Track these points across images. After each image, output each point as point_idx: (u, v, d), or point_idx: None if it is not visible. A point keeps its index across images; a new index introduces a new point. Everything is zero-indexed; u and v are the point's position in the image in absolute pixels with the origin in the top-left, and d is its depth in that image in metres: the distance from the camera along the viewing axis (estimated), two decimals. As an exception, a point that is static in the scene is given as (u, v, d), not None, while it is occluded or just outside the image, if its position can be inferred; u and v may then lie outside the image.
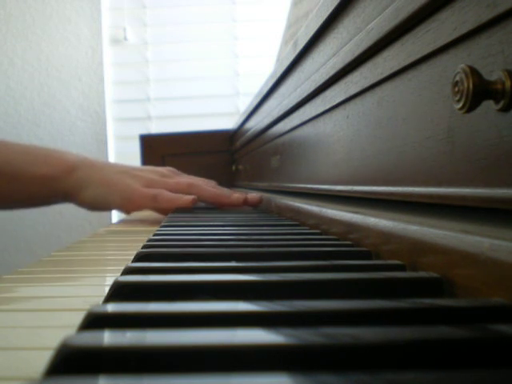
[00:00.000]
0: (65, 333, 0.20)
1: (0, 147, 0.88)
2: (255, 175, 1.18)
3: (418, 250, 0.32)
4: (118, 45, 2.24)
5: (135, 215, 1.01)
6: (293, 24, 1.19)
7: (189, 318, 0.23)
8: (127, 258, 0.43)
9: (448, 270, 0.28)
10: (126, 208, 0.90)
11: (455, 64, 0.30)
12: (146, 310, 0.24)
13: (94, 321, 0.22)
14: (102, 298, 0.29)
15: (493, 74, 0.26)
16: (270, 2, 2.16)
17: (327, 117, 0.58)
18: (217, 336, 0.20)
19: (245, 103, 1.78)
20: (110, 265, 0.51)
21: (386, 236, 0.37)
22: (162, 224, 0.66)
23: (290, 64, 0.72)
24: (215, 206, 0.95)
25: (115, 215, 2.02)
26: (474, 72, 0.26)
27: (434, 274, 0.29)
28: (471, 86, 0.26)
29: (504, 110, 0.26)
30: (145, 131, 2.10)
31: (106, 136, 2.23)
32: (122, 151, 2.23)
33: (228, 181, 1.55)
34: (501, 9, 0.26)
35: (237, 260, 0.38)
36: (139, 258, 0.40)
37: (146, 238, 0.50)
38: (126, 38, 2.22)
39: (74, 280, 0.43)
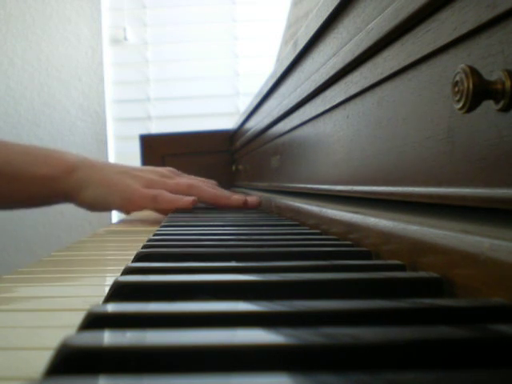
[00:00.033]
0: (65, 333, 0.20)
1: (0, 147, 0.88)
2: (255, 175, 1.18)
3: (418, 249, 0.32)
4: (117, 45, 2.24)
5: (135, 215, 1.01)
6: (293, 24, 1.19)
7: (189, 318, 0.23)
8: (127, 258, 0.43)
9: (448, 269, 0.28)
10: (125, 208, 0.90)
11: (455, 64, 0.30)
12: (146, 310, 0.24)
13: (94, 321, 0.22)
14: (102, 298, 0.29)
15: (493, 73, 0.26)
16: (269, 1, 2.16)
17: (327, 117, 0.58)
18: (217, 336, 0.20)
19: (245, 103, 1.78)
20: (109, 265, 0.51)
21: (386, 236, 0.37)
22: (162, 224, 0.66)
23: (290, 64, 0.72)
24: (215, 207, 0.95)
25: (115, 215, 2.02)
26: (473, 72, 0.26)
27: (434, 274, 0.29)
28: (471, 85, 0.26)
29: (504, 110, 0.26)
30: (145, 131, 2.10)
31: (106, 136, 2.23)
32: (122, 151, 2.23)
33: (228, 181, 1.55)
34: (501, 9, 0.26)
35: (237, 260, 0.38)
36: (139, 258, 0.40)
37: (146, 238, 0.50)
38: (126, 38, 2.22)
39: (74, 280, 0.43)
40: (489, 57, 0.27)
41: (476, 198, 0.29)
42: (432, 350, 0.19)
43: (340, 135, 0.54)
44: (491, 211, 0.28)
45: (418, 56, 0.35)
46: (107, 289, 0.30)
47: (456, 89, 0.27)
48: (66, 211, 2.10)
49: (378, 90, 0.43)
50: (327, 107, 0.57)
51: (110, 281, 0.34)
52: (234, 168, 1.55)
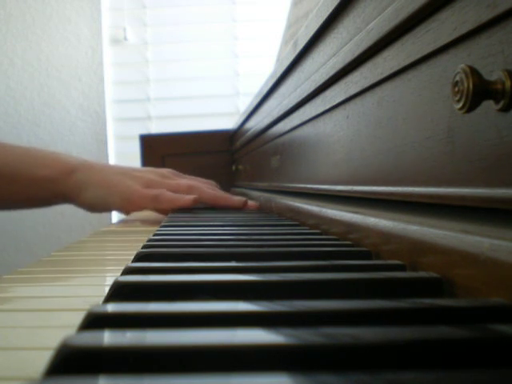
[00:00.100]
0: (65, 333, 0.20)
1: None
2: (255, 175, 1.18)
3: (418, 250, 0.32)
4: (118, 45, 2.24)
5: (135, 215, 1.01)
6: (293, 24, 1.19)
7: (189, 318, 0.23)
8: (127, 258, 0.43)
9: (448, 270, 0.28)
10: (126, 209, 0.90)
11: (455, 64, 0.30)
12: (146, 310, 0.24)
13: (94, 321, 0.22)
14: (102, 298, 0.29)
15: (493, 73, 0.26)
16: (270, 2, 2.16)
17: (327, 117, 0.58)
18: (217, 336, 0.20)
19: (245, 103, 1.78)
20: (109, 265, 0.51)
21: (386, 236, 0.37)
22: (162, 224, 0.66)
23: (290, 64, 0.72)
24: (215, 207, 0.96)
25: (115, 215, 2.02)
26: (474, 72, 0.26)
27: (434, 274, 0.29)
28: (471, 85, 0.26)
29: (504, 110, 0.26)
30: (145, 131, 2.10)
31: (105, 136, 2.23)
32: (122, 151, 2.23)
33: (228, 181, 1.55)
34: (501, 9, 0.26)
35: (237, 260, 0.38)
36: (139, 257, 0.40)
37: (146, 238, 0.50)
38: (126, 38, 2.22)
39: (74, 280, 0.43)
40: (489, 57, 0.27)
41: (476, 198, 0.29)
42: (432, 349, 0.19)
43: (340, 135, 0.54)
44: (491, 211, 0.28)
45: (418, 56, 0.35)
46: (107, 289, 0.30)
47: (456, 89, 0.27)
48: (66, 212, 2.09)
49: (378, 90, 0.43)
50: (327, 107, 0.57)
51: (110, 281, 0.34)
52: (234, 168, 1.55)
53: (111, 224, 1.42)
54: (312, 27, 0.58)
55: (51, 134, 2.23)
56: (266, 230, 0.58)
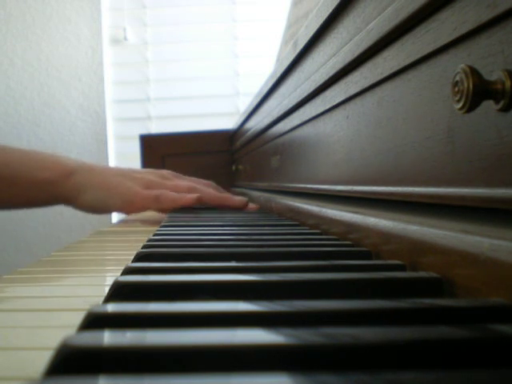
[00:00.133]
0: (65, 333, 0.20)
1: None
2: (255, 175, 1.18)
3: (417, 250, 0.32)
4: (117, 45, 2.24)
5: (135, 215, 1.01)
6: (293, 24, 1.19)
7: (189, 318, 0.23)
8: (127, 257, 0.43)
9: (448, 270, 0.28)
10: (127, 210, 0.90)
11: (455, 64, 0.30)
12: (146, 310, 0.24)
13: (94, 321, 0.22)
14: (102, 298, 0.29)
15: (493, 73, 0.26)
16: (270, 1, 2.16)
17: (327, 117, 0.58)
18: (217, 336, 0.20)
19: (245, 103, 1.78)
20: (109, 265, 0.51)
21: (386, 236, 0.37)
22: (162, 224, 0.66)
23: (290, 64, 0.72)
24: (215, 208, 0.96)
25: (115, 215, 2.02)
26: (473, 72, 0.26)
27: (434, 274, 0.29)
28: (471, 85, 0.26)
29: (504, 110, 0.26)
30: (145, 131, 2.10)
31: (105, 136, 2.23)
32: (122, 151, 2.23)
33: (228, 181, 1.55)
34: (501, 9, 0.26)
35: (237, 260, 0.38)
36: (139, 257, 0.40)
37: (146, 238, 0.50)
38: (126, 38, 2.22)
39: (74, 280, 0.43)
40: (489, 57, 0.27)
41: (476, 198, 0.29)
42: (432, 349, 0.19)
43: (340, 135, 0.54)
44: (491, 211, 0.28)
45: (418, 56, 0.35)
46: (107, 289, 0.30)
47: (456, 89, 0.27)
48: (66, 212, 2.09)
49: (378, 90, 0.43)
50: (327, 107, 0.57)
51: (109, 281, 0.34)
52: (234, 168, 1.55)
53: (111, 224, 1.42)
54: (312, 27, 0.58)
55: (51, 134, 2.23)
56: (266, 229, 0.58)
